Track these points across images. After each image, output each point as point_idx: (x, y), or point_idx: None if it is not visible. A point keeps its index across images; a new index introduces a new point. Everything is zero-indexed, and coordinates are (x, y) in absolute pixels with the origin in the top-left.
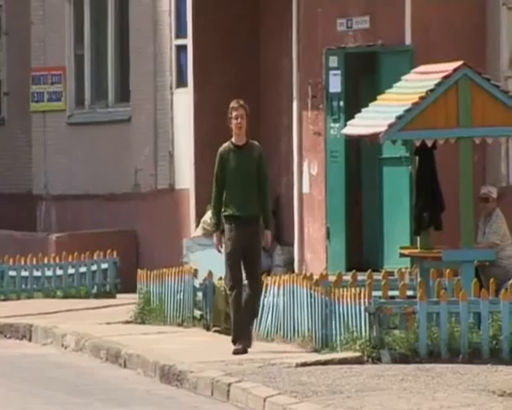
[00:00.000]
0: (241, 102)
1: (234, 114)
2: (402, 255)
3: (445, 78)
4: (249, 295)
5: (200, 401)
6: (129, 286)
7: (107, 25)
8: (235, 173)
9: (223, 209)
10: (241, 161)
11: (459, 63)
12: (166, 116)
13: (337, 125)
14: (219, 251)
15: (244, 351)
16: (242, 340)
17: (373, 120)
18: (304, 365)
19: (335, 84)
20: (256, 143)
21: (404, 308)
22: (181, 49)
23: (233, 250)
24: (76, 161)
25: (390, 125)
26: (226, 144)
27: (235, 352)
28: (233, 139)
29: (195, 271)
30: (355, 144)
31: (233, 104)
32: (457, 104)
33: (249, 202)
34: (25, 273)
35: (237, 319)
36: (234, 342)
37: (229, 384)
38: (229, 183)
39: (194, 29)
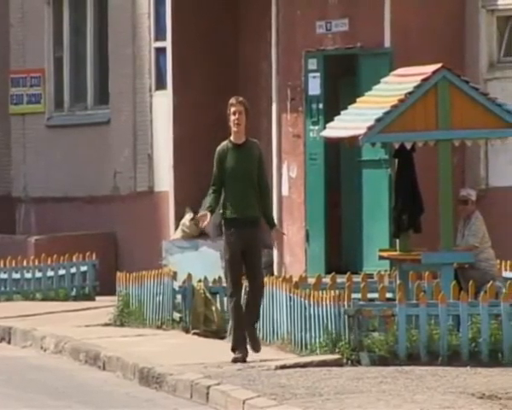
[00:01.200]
0: (241, 98)
1: (232, 109)
2: (381, 258)
3: (424, 80)
4: (251, 298)
5: (179, 403)
6: (108, 289)
7: (86, 27)
8: (234, 173)
9: (221, 211)
10: (239, 160)
11: (438, 66)
12: (146, 119)
13: (316, 127)
14: (202, 222)
15: (243, 360)
16: (242, 349)
17: (352, 122)
18: (283, 367)
19: (314, 86)
20: (255, 141)
21: (383, 311)
22: (160, 52)
23: (232, 256)
24: (55, 163)
25: (369, 128)
26: (224, 143)
27: (235, 360)
28: (231, 137)
29: (174, 273)
30: (334, 147)
31: (232, 100)
32: (436, 107)
33: (248, 203)
34: (4, 276)
35: (237, 327)
36: (233, 350)
37: (209, 387)
38: (228, 183)
39: (173, 32)
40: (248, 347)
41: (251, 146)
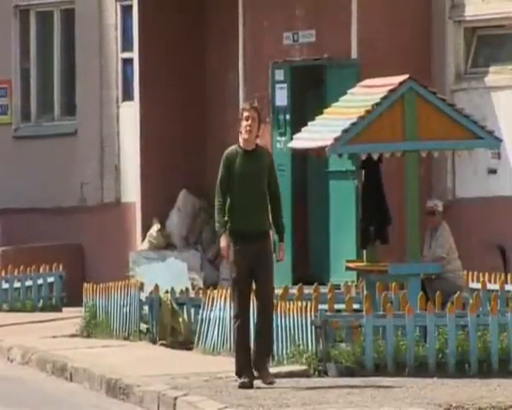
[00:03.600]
0: (255, 104)
1: (245, 114)
2: (348, 269)
3: (391, 91)
4: (261, 324)
5: None
6: (75, 300)
7: (53, 39)
8: (243, 181)
9: (228, 223)
10: (249, 167)
11: (405, 77)
12: (112, 130)
13: (283, 138)
14: (226, 256)
15: (251, 384)
16: (248, 373)
17: (319, 133)
18: None
19: (281, 97)
20: (266, 148)
21: (350, 322)
22: (127, 63)
23: (239, 275)
24: (22, 174)
25: (336, 139)
26: (233, 147)
27: (242, 386)
28: (240, 143)
29: (141, 284)
30: (301, 158)
31: (244, 105)
32: (403, 118)
33: (258, 215)
34: None
35: (240, 350)
36: (238, 374)
37: (176, 398)
38: (236, 192)
39: (140, 43)
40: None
41: (261, 153)
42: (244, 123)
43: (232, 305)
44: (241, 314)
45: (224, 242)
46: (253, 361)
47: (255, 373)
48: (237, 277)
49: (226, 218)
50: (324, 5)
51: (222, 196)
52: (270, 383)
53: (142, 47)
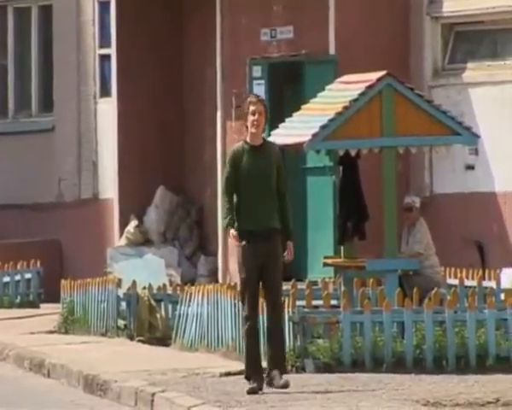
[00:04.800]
0: (261, 97)
1: (251, 108)
2: (326, 265)
3: (369, 87)
4: (273, 327)
5: None
6: (53, 296)
7: (30, 35)
8: (250, 178)
9: (235, 222)
10: (257, 163)
11: (383, 73)
12: (90, 126)
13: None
14: (238, 245)
15: (260, 390)
16: (257, 377)
17: (297, 129)
18: (228, 374)
19: (259, 93)
20: (274, 143)
21: (327, 318)
22: (105, 59)
23: (249, 275)
24: (0, 170)
25: (314, 135)
26: (240, 144)
27: (250, 391)
28: (247, 139)
29: (119, 280)
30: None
31: (251, 98)
32: (381, 114)
33: (267, 213)
34: None
35: (251, 353)
36: (247, 378)
37: (153, 394)
38: (243, 189)
39: (117, 39)
40: (273, 381)
41: (269, 148)
42: (251, 117)
43: (242, 307)
44: (251, 316)
45: (231, 235)
46: (268, 363)
47: (265, 376)
48: (247, 276)
49: (234, 217)
50: (302, 1)
51: (228, 196)
52: (283, 386)
53: (119, 43)
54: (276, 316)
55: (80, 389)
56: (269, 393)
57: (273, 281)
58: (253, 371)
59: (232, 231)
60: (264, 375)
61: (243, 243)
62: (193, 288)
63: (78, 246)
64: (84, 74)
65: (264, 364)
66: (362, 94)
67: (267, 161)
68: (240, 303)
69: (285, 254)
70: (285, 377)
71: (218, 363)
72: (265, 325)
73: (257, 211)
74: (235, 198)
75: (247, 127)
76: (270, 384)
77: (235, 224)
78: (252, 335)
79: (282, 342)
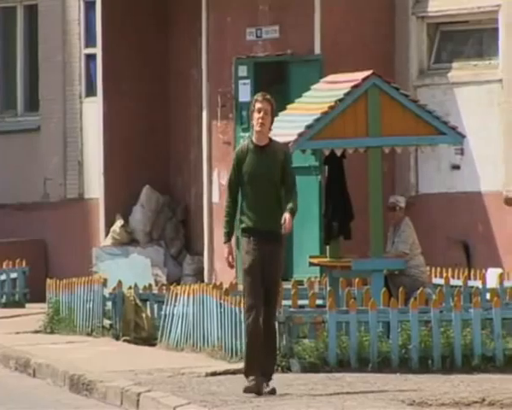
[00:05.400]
0: (268, 95)
1: (257, 106)
2: (311, 264)
3: (355, 87)
4: (266, 328)
5: None
6: (38, 296)
7: (16, 34)
8: (255, 179)
9: (239, 219)
10: (261, 163)
11: (368, 72)
12: (76, 125)
13: (247, 134)
14: (231, 266)
15: (259, 391)
16: (257, 375)
17: (283, 129)
18: (214, 374)
19: (245, 93)
20: (281, 143)
21: (313, 318)
22: (90, 59)
23: (252, 265)
24: None
25: (299, 135)
26: (244, 143)
27: (247, 390)
28: (253, 138)
29: (105, 280)
30: None
31: (257, 96)
32: (367, 113)
33: (270, 214)
34: None
35: (252, 347)
36: (246, 374)
37: (139, 394)
38: (247, 189)
39: (103, 38)
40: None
41: (275, 149)
42: (256, 115)
43: (244, 299)
44: (254, 306)
45: (227, 251)
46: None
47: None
48: (250, 267)
49: (232, 226)
50: (288, 1)
51: (231, 196)
52: (270, 392)
53: (105, 43)
54: (269, 319)
55: (66, 388)
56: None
57: (272, 282)
58: (252, 368)
59: (227, 250)
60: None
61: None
62: (178, 287)
63: (63, 245)
64: (70, 74)
65: None
66: (347, 94)
67: (271, 161)
68: (241, 300)
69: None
70: (272, 382)
71: (204, 363)
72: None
73: (260, 211)
74: (240, 200)
75: (253, 126)
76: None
77: (234, 231)
78: (253, 329)
79: (275, 346)
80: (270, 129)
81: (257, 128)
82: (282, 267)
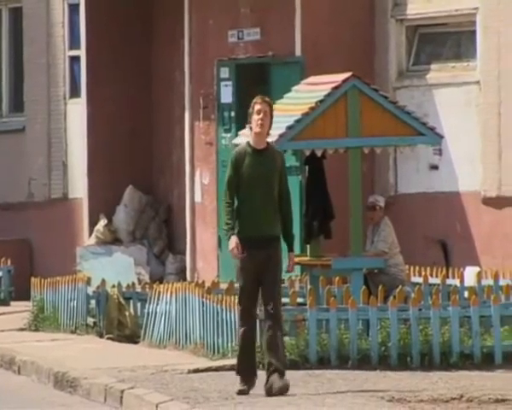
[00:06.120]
0: (267, 97)
1: (256, 108)
2: None
3: (335, 88)
4: (271, 336)
5: (94, 407)
6: (23, 294)
7: (1, 36)
8: (252, 182)
9: (235, 228)
10: (259, 167)
11: (348, 74)
12: (60, 127)
13: (228, 135)
14: (238, 256)
15: (248, 392)
16: (248, 379)
17: None
18: (196, 371)
19: (227, 94)
20: (278, 149)
21: (294, 315)
22: (74, 61)
23: (246, 284)
24: None
25: (280, 135)
26: (242, 146)
27: (240, 392)
28: (251, 141)
29: (89, 279)
30: None
31: (257, 99)
32: (346, 114)
33: (267, 219)
34: None
35: (242, 354)
36: (238, 373)
37: (122, 391)
38: (243, 194)
39: (87, 41)
40: (273, 384)
41: (273, 153)
42: (255, 117)
43: (238, 312)
44: (246, 323)
45: (232, 242)
46: (266, 370)
47: (265, 384)
48: (244, 285)
49: (235, 222)
50: (269, 4)
51: (230, 198)
52: (282, 389)
53: (89, 45)
54: (274, 323)
55: (50, 385)
56: (236, 389)
57: (271, 289)
58: (244, 372)
59: (234, 240)
60: (264, 383)
61: (244, 254)
62: (161, 286)
63: (48, 245)
64: (54, 76)
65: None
66: (328, 95)
67: (269, 166)
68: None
69: (286, 266)
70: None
71: (186, 360)
72: (264, 335)
73: (257, 217)
74: (236, 203)
75: (251, 128)
76: (270, 392)
77: (235, 230)
78: (244, 339)
79: (282, 349)
80: (268, 132)
81: (256, 130)
82: (281, 270)
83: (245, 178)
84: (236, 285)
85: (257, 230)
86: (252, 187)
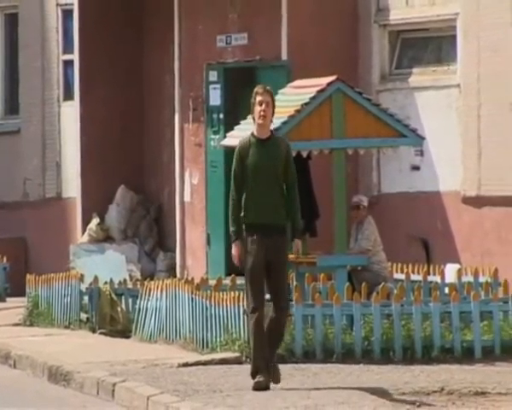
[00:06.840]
0: (268, 87)
1: (258, 99)
2: None
3: (320, 91)
4: (274, 320)
5: (87, 400)
6: (18, 290)
7: None
8: (257, 172)
9: (242, 215)
10: (264, 157)
11: (333, 78)
12: (54, 128)
13: (217, 136)
14: (239, 264)
15: (266, 386)
16: (265, 373)
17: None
18: (185, 365)
19: (215, 97)
20: (282, 136)
21: None
22: (68, 65)
23: (254, 267)
24: None
25: None
26: (246, 137)
27: (257, 387)
28: (254, 131)
29: (82, 276)
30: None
31: (258, 89)
32: (331, 117)
33: (274, 208)
34: None
35: (258, 348)
36: (253, 374)
37: (114, 384)
38: (250, 183)
39: (80, 45)
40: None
41: (277, 142)
42: (258, 108)
43: (246, 300)
44: (257, 308)
45: (235, 250)
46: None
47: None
48: (252, 268)
49: (242, 213)
50: (256, 10)
51: (236, 191)
52: (267, 384)
53: (82, 49)
54: (279, 308)
55: (45, 379)
56: (224, 382)
57: (279, 275)
58: (260, 367)
59: (236, 249)
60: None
61: (247, 255)
62: (152, 283)
63: (42, 243)
64: (49, 79)
65: None
66: (313, 98)
67: (274, 154)
68: (244, 295)
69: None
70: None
71: (176, 354)
72: (269, 322)
73: (263, 205)
74: (243, 194)
75: (254, 119)
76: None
77: (243, 219)
78: (258, 328)
79: (281, 339)
80: (271, 121)
81: (259, 121)
82: (288, 259)
83: (250, 168)
84: (240, 281)
85: (264, 217)
86: (257, 176)
